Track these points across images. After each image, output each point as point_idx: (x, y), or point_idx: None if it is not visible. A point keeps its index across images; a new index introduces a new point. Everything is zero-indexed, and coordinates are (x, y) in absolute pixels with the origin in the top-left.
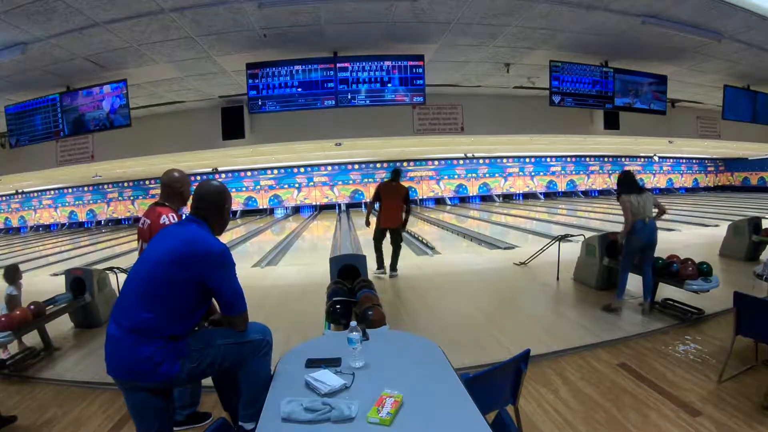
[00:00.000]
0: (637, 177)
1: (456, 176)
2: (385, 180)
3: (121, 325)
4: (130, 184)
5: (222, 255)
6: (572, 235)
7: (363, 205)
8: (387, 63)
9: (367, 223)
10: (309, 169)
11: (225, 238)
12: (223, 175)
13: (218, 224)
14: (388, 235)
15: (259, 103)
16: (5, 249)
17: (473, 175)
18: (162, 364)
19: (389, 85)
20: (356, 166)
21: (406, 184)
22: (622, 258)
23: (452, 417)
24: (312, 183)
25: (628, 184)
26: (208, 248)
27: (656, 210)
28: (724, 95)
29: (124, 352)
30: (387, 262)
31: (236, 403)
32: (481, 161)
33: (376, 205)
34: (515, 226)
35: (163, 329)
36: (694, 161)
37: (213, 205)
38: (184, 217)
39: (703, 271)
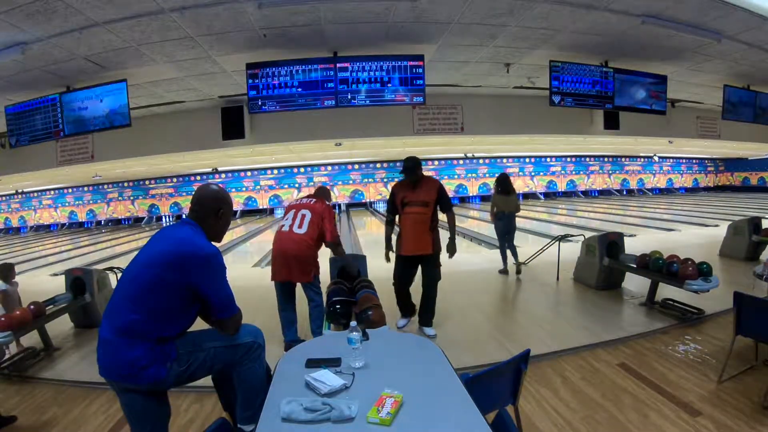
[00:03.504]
0: (512, 179)
1: (456, 176)
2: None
3: (110, 326)
4: (130, 184)
5: (209, 258)
6: (572, 235)
7: (363, 206)
8: (387, 63)
9: (387, 258)
10: (309, 169)
11: (225, 238)
12: (223, 175)
13: (213, 229)
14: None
15: (259, 103)
16: (5, 249)
17: (473, 175)
18: (149, 367)
19: (389, 85)
20: (356, 166)
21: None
22: (497, 237)
23: (452, 417)
24: (312, 183)
25: (500, 185)
26: (196, 251)
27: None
28: (724, 95)
29: (112, 353)
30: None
31: (234, 405)
32: (481, 161)
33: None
34: (515, 226)
35: (151, 331)
36: (694, 161)
37: (209, 209)
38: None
39: (703, 271)
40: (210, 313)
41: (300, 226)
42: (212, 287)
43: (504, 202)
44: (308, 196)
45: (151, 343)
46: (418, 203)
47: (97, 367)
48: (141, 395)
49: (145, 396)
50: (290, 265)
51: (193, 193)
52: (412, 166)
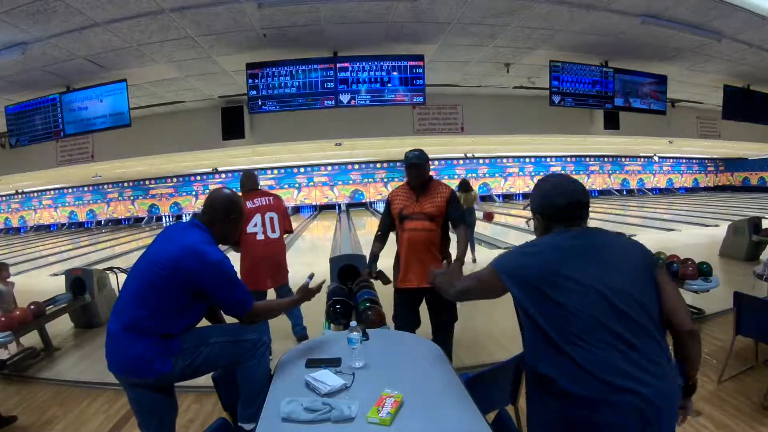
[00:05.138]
0: (473, 182)
1: (456, 176)
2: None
3: (117, 322)
4: (130, 184)
5: (216, 265)
6: None
7: (363, 206)
8: (387, 63)
9: (370, 275)
10: (309, 169)
11: None
12: (223, 175)
13: (222, 233)
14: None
15: (259, 103)
16: (5, 249)
17: (473, 175)
18: (153, 361)
19: (389, 85)
20: (356, 166)
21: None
22: None
23: (452, 417)
24: (312, 183)
25: (461, 186)
26: (202, 258)
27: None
28: (724, 95)
29: (119, 348)
30: None
31: (236, 403)
32: (481, 161)
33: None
34: (515, 226)
35: (156, 328)
36: (694, 161)
37: (218, 213)
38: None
39: (703, 271)
40: (226, 312)
41: (273, 231)
42: (220, 293)
43: (464, 198)
44: (260, 194)
45: (155, 338)
46: (421, 216)
47: (97, 367)
48: (148, 390)
49: (152, 390)
50: (273, 271)
51: (206, 195)
52: (420, 162)
